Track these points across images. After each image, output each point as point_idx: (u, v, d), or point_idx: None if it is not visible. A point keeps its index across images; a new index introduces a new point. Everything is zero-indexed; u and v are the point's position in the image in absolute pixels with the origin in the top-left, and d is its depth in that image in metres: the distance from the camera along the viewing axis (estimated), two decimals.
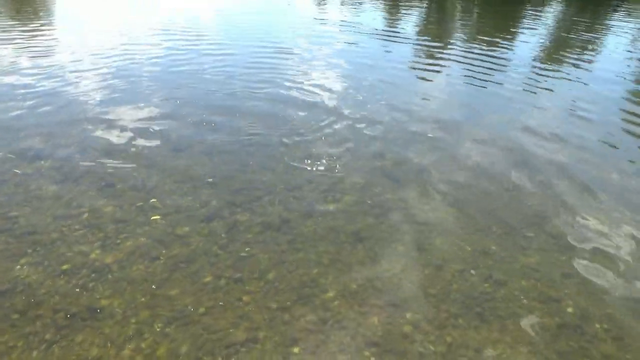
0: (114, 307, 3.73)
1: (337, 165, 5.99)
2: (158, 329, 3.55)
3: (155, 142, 6.44)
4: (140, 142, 6.44)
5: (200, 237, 4.55)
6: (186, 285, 3.98)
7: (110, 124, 6.97)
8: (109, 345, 3.40)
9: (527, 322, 3.74)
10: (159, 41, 12.81)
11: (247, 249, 4.41)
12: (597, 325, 3.74)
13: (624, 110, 8.63)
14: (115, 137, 6.52)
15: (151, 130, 6.84)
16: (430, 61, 12.19)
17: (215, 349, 3.41)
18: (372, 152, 6.43)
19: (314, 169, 5.88)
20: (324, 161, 6.07)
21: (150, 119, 7.26)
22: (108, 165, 5.76)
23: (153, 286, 3.95)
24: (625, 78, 11.21)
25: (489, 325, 3.70)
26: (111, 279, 4.01)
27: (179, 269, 4.15)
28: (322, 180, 5.62)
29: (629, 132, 7.59)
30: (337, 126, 7.22)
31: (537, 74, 11.12)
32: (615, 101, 9.19)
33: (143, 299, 3.83)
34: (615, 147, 7.01)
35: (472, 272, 4.25)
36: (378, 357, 3.41)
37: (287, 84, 9.34)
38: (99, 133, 6.65)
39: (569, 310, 3.89)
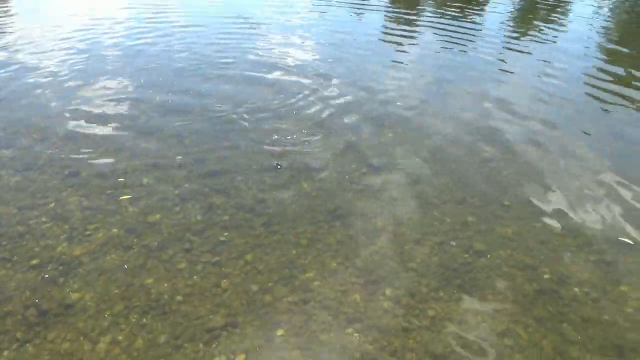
0: (86, 301, 3.59)
1: (311, 142, 5.87)
2: (134, 320, 3.43)
3: (121, 126, 6.18)
4: (106, 126, 6.17)
5: (174, 223, 4.41)
6: (161, 273, 3.86)
7: (73, 109, 6.63)
8: (83, 339, 3.27)
9: (507, 291, 3.77)
10: (122, 19, 12.23)
11: (225, 234, 4.28)
12: (575, 289, 3.79)
13: (589, 75, 8.71)
14: (78, 122, 6.21)
15: (116, 113, 6.55)
16: (402, 29, 12.06)
17: (195, 336, 3.32)
18: (345, 127, 6.32)
19: (287, 147, 5.75)
20: (297, 138, 5.94)
21: (115, 101, 6.94)
22: (72, 152, 5.49)
23: (127, 276, 3.81)
24: (591, 38, 11.36)
25: (470, 296, 3.71)
26: (83, 272, 3.85)
27: (153, 257, 4.01)
28: (296, 158, 5.50)
29: (594, 96, 7.68)
30: (308, 101, 7.06)
31: (507, 40, 11.12)
32: (583, 67, 9.26)
33: (117, 290, 3.69)
34: (581, 112, 7.09)
35: (452, 243, 4.24)
36: (361, 334, 3.38)
37: (257, 58, 9.08)
38: (61, 119, 6.32)
39: (546, 276, 3.93)
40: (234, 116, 6.51)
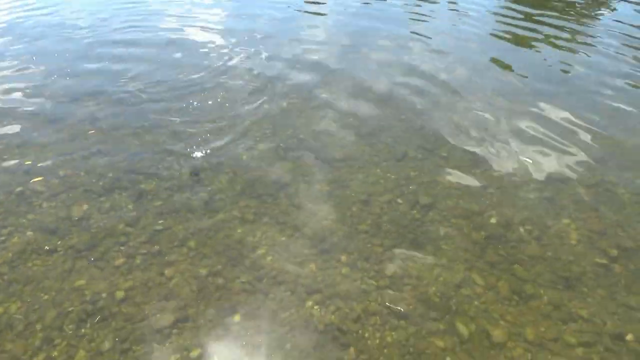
0: (12, 315, 3.13)
1: (241, 111, 5.51)
2: (70, 331, 3.03)
3: (26, 116, 5.44)
4: (9, 117, 5.40)
5: (102, 215, 3.95)
6: (94, 273, 3.45)
7: None
8: None
9: (458, 241, 3.76)
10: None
11: (161, 221, 3.91)
12: (520, 230, 3.86)
13: (500, 15, 8.93)
14: None
15: (20, 103, 5.75)
16: None
17: (144, 337, 3.00)
18: (275, 93, 6.01)
19: (215, 118, 5.35)
20: (224, 109, 5.55)
21: (17, 90, 6.09)
22: None
23: (55, 282, 3.36)
24: None
25: (423, 251, 3.66)
26: (3, 283, 3.35)
27: (82, 257, 3.57)
28: (228, 130, 5.14)
29: (501, 37, 7.88)
30: (232, 67, 6.64)
31: None
32: (493, 6, 9.49)
33: (46, 297, 3.26)
34: (500, 50, 7.26)
35: (399, 200, 4.16)
36: (321, 304, 3.24)
37: (164, 35, 8.36)
38: None
39: (492, 220, 3.97)
40: (152, 92, 5.96)
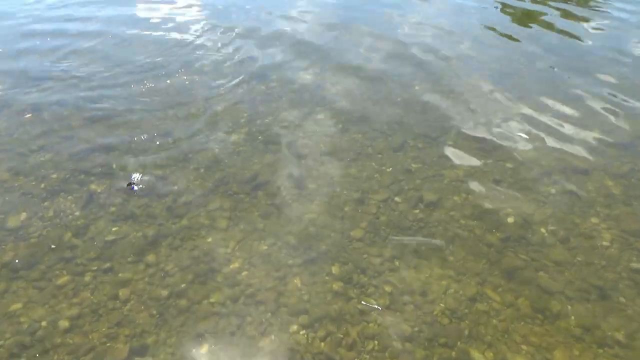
0: None
1: (212, 96, 5.16)
2: None
3: None
4: None
5: (45, 225, 3.58)
6: (33, 295, 3.08)
7: None
8: None
9: (469, 245, 3.46)
10: None
11: (114, 229, 3.55)
12: (542, 231, 3.57)
13: None
14: None
15: None
16: None
17: None
18: (251, 74, 5.67)
19: (180, 104, 5.01)
20: (191, 93, 5.20)
21: None
22: None
23: None
24: None
25: (428, 260, 3.35)
26: None
27: (18, 277, 3.20)
28: (196, 118, 4.79)
29: (507, 9, 7.64)
30: (200, 46, 6.28)
31: None
32: None
33: None
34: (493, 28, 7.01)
35: (397, 199, 3.85)
36: (309, 328, 2.93)
37: (116, 13, 7.93)
38: None
39: (510, 220, 3.67)
40: (100, 79, 5.56)
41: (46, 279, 3.20)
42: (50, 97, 5.15)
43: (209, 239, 3.48)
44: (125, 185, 3.91)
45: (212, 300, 3.06)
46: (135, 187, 3.87)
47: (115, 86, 5.38)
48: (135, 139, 4.47)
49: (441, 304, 3.06)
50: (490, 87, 5.40)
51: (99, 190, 3.88)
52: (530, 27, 7.12)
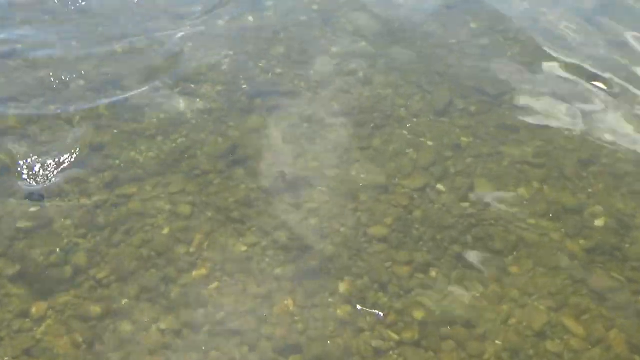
0: None
1: (182, 27, 5.13)
2: None
3: None
4: None
5: None
6: None
7: None
8: None
9: (539, 256, 3.38)
10: None
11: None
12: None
13: None
14: None
15: None
16: None
17: None
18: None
19: (135, 40, 5.03)
20: (153, 25, 5.18)
21: None
22: None
23: None
24: None
25: (481, 272, 3.28)
26: None
27: None
28: (152, 52, 4.88)
29: None
30: None
31: None
32: None
33: None
34: None
35: (440, 187, 3.82)
36: None
37: None
38: None
39: (599, 223, 3.62)
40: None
41: None
42: None
43: (164, 231, 3.48)
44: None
45: (161, 326, 3.00)
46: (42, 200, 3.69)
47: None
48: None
49: (497, 341, 2.98)
50: (567, 25, 5.45)
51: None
52: None
